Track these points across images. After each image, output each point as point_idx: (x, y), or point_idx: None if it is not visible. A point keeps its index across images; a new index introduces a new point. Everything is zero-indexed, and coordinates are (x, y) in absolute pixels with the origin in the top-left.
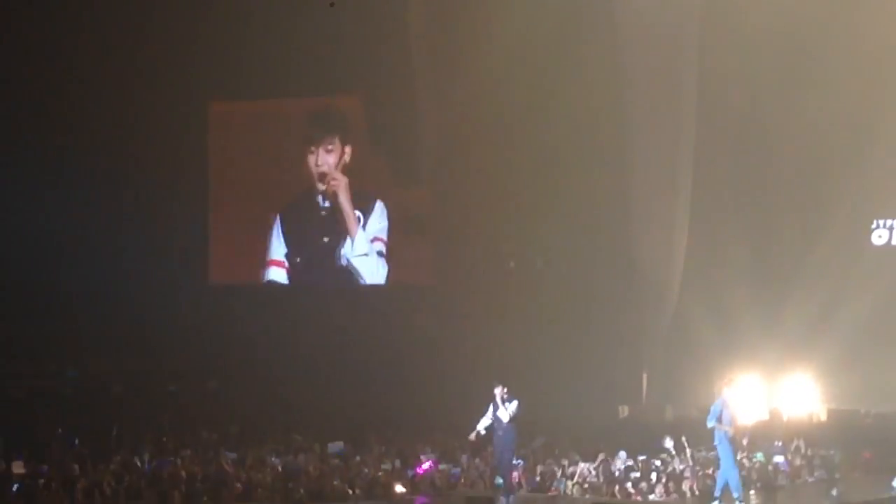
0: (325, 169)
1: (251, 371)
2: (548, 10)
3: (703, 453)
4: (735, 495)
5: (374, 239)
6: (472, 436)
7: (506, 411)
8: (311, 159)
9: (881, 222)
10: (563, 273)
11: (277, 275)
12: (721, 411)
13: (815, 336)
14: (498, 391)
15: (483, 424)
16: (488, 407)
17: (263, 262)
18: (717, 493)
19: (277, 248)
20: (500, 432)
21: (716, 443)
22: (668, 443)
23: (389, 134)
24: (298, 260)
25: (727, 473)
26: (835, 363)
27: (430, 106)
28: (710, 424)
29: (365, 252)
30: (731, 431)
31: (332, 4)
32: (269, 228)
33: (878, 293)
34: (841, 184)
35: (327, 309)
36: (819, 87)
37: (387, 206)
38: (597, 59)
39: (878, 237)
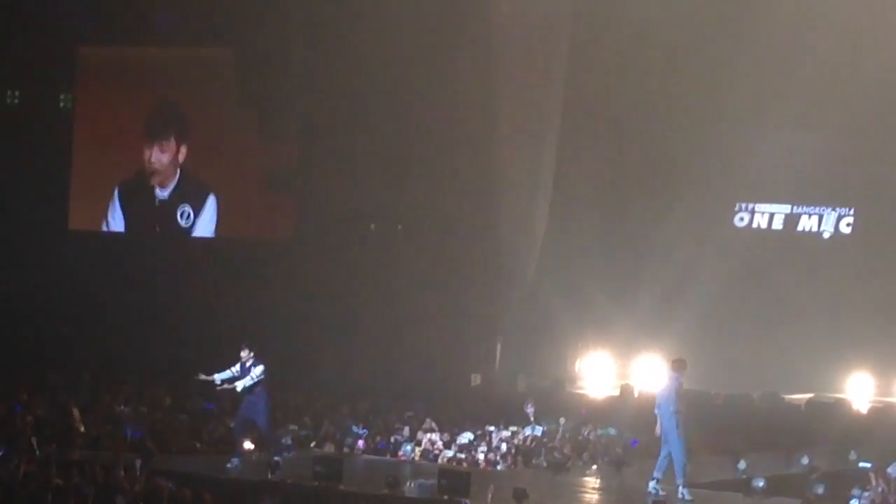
0: (157, 167)
1: (108, 320)
2: None
3: (554, 426)
4: (679, 481)
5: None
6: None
7: (248, 377)
8: (147, 154)
9: (743, 205)
10: (421, 240)
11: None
12: (670, 393)
13: (668, 315)
14: (244, 354)
15: (222, 377)
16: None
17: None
18: (656, 475)
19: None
20: (246, 395)
21: (666, 426)
22: (530, 409)
23: (259, 88)
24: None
25: (675, 457)
26: (686, 343)
27: (301, 65)
28: (658, 411)
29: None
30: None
31: None
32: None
33: (735, 275)
34: (705, 165)
35: (185, 258)
36: (687, 69)
37: (219, 199)
38: (468, 39)
39: (740, 220)
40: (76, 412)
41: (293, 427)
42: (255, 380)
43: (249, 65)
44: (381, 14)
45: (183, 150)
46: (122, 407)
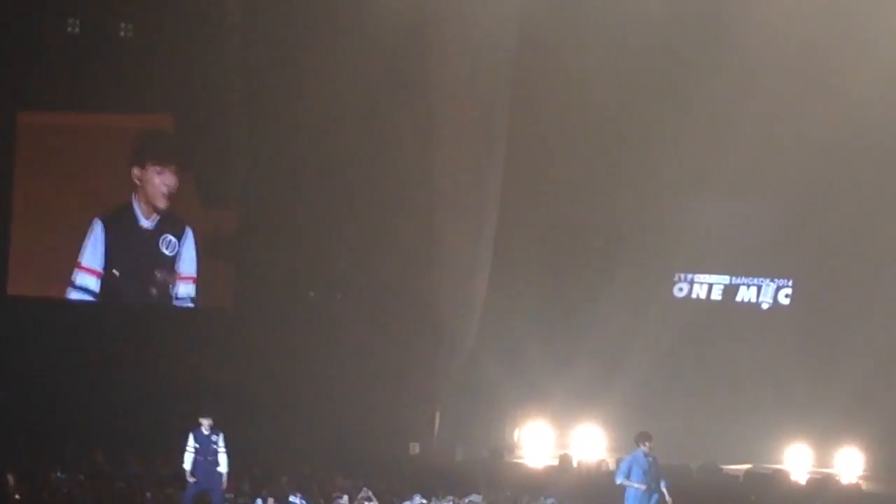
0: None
1: (47, 385)
2: (365, 58)
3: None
4: None
5: (186, 277)
6: (190, 478)
7: (218, 444)
8: (137, 174)
9: (682, 276)
10: (360, 308)
11: (86, 281)
12: (631, 468)
13: (607, 384)
14: (206, 422)
15: (189, 461)
16: (188, 439)
17: (68, 272)
18: None
19: (93, 255)
20: (205, 464)
21: (626, 500)
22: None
23: (200, 156)
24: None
25: None
26: (625, 413)
27: (240, 131)
28: (618, 481)
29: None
30: (642, 489)
31: None
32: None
33: (675, 344)
34: (645, 234)
35: (129, 325)
36: (629, 135)
37: (195, 231)
38: (407, 92)
39: (679, 290)
40: (11, 479)
41: (229, 495)
42: (221, 450)
43: (189, 132)
44: (320, 80)
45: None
46: (59, 474)
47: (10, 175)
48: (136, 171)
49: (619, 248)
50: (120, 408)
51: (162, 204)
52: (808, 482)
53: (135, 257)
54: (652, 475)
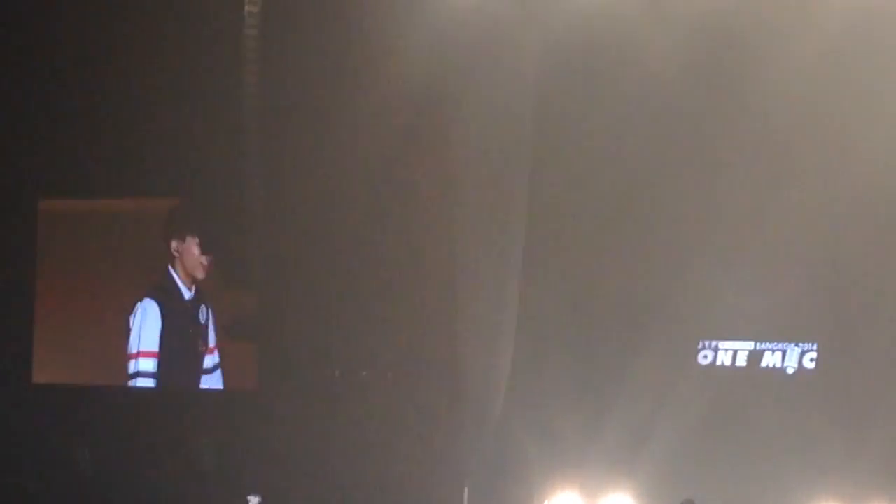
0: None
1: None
2: (379, 126)
3: None
4: None
5: (212, 348)
6: None
7: None
8: (175, 246)
9: (706, 343)
10: (386, 382)
11: (147, 365)
12: None
13: (636, 454)
14: (255, 500)
15: None
16: None
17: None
18: None
19: (148, 336)
20: None
21: None
22: None
23: (218, 237)
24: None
25: None
26: (655, 482)
27: (258, 210)
28: None
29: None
30: None
31: None
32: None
33: (701, 413)
34: (669, 302)
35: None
36: (650, 204)
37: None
38: (427, 167)
39: (704, 357)
40: None
41: None
42: None
43: (206, 214)
44: (335, 151)
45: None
46: None
47: (33, 263)
48: (174, 244)
49: (645, 316)
50: (147, 494)
51: (200, 275)
52: None
53: (184, 332)
54: None
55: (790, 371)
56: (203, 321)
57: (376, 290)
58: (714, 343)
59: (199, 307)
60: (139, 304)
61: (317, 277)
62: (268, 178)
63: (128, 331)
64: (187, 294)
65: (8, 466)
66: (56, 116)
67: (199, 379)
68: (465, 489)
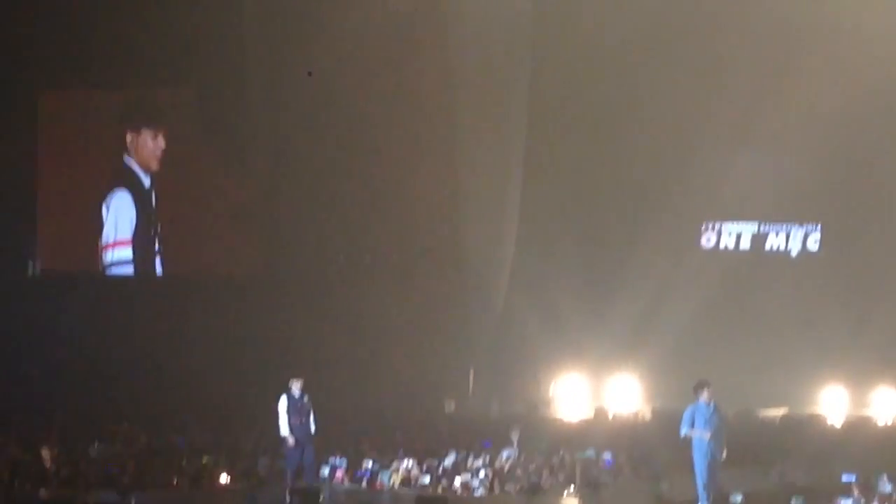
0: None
1: (77, 362)
2: (381, 9)
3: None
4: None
5: None
6: (291, 440)
7: (308, 407)
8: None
9: (710, 224)
10: (390, 268)
11: (122, 254)
12: (693, 417)
13: (641, 335)
14: (297, 384)
15: (286, 425)
16: (282, 402)
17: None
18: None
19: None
20: (300, 426)
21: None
22: (514, 435)
23: (221, 124)
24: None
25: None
26: (660, 363)
27: (261, 98)
28: (682, 432)
29: None
30: (706, 437)
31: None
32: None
33: (704, 294)
34: (672, 185)
35: (150, 297)
36: (652, 88)
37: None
38: (428, 56)
39: (707, 240)
40: (46, 453)
41: (260, 462)
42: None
43: (211, 101)
44: (339, 36)
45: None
46: (96, 445)
47: (32, 155)
48: (129, 136)
49: (649, 200)
50: (154, 381)
51: (155, 166)
52: (845, 425)
53: (147, 220)
54: (714, 423)
55: (794, 253)
56: (155, 207)
57: (380, 177)
58: (717, 225)
59: (151, 195)
60: (111, 194)
61: (320, 164)
62: (268, 64)
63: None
64: (146, 182)
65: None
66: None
67: (154, 263)
68: (471, 371)
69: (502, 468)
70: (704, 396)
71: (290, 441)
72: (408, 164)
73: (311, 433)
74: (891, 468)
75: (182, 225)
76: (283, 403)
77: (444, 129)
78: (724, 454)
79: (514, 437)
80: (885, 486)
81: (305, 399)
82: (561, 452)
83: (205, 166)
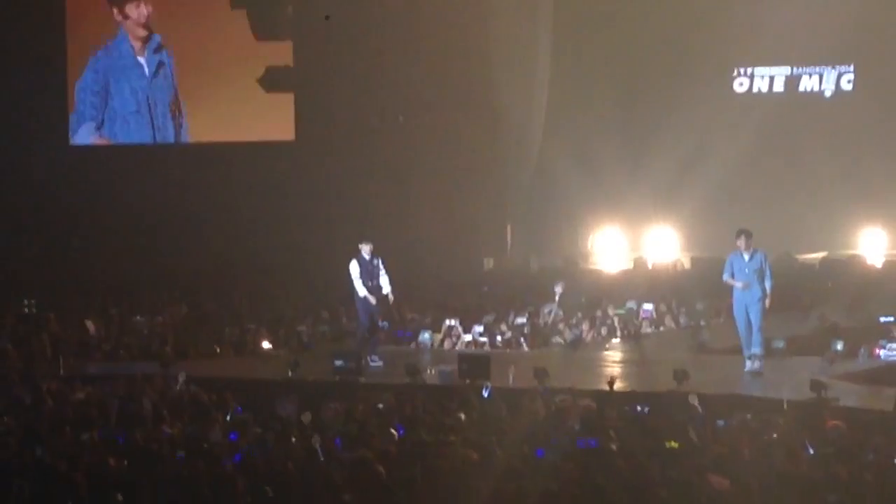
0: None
1: (114, 231)
2: None
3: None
4: (745, 353)
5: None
6: (372, 299)
7: (378, 269)
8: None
9: (742, 70)
10: (424, 126)
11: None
12: (732, 265)
13: (678, 185)
14: (367, 248)
15: (361, 287)
16: (353, 266)
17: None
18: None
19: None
20: (372, 288)
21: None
22: (558, 289)
23: None
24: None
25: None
26: (698, 212)
27: None
28: (724, 278)
29: None
30: (738, 286)
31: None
32: None
33: (740, 141)
34: (703, 32)
35: (185, 166)
36: None
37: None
38: None
39: (740, 85)
40: (90, 325)
41: (300, 328)
42: (383, 272)
43: None
44: None
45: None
46: (138, 317)
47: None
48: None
49: (681, 47)
50: (189, 251)
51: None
52: (884, 264)
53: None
54: (749, 273)
55: (828, 94)
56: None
57: (413, 31)
58: (749, 69)
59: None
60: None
61: (353, 26)
62: None
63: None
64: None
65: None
66: None
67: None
68: (508, 228)
69: (545, 323)
70: (740, 245)
71: (371, 300)
72: (438, 16)
73: (383, 296)
74: None
75: (205, 93)
76: (354, 267)
77: None
78: (766, 304)
79: (558, 290)
80: None
81: (376, 262)
82: (602, 305)
83: (231, 32)
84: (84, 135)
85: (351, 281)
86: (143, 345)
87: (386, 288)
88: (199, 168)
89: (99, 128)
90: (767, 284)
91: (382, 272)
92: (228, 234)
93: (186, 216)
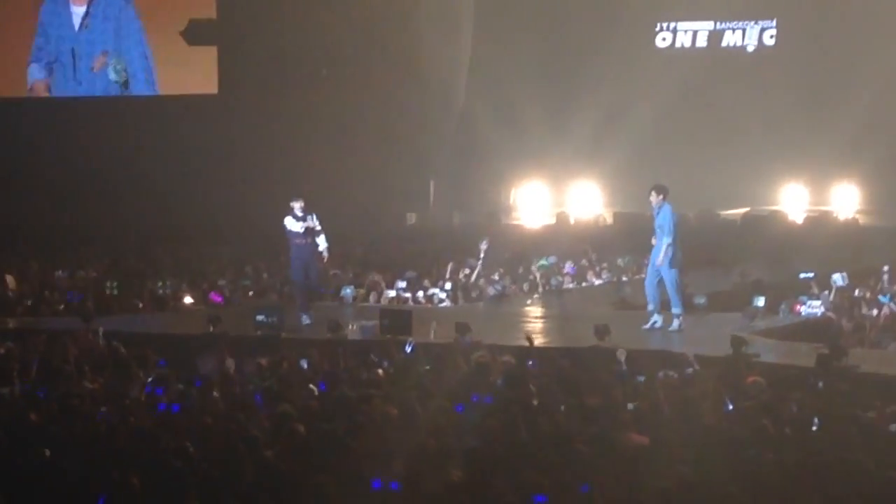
0: None
1: (36, 186)
2: None
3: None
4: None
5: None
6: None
7: (310, 223)
8: None
9: (664, 25)
10: (347, 78)
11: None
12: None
13: (601, 141)
14: (298, 205)
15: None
16: (288, 221)
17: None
18: (651, 307)
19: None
20: (305, 242)
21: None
22: (484, 245)
23: None
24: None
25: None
26: (620, 167)
27: None
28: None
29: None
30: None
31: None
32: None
33: (663, 97)
34: None
35: (103, 120)
36: None
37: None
38: None
39: (662, 40)
40: (10, 279)
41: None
42: (318, 228)
43: None
44: None
45: None
46: (59, 272)
47: None
48: None
49: (603, 2)
50: (113, 205)
51: None
52: (806, 220)
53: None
54: (655, 229)
55: (750, 49)
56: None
57: None
58: (672, 24)
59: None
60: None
61: None
62: None
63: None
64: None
65: None
66: None
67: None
68: (431, 183)
69: (466, 278)
70: (652, 200)
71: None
72: None
73: (317, 252)
74: (847, 264)
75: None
76: (290, 222)
77: None
78: (659, 259)
79: (483, 247)
80: (840, 282)
81: (310, 218)
82: (524, 261)
83: None
84: (33, 73)
85: (287, 236)
86: (64, 300)
87: (322, 245)
88: (122, 122)
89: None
90: (664, 240)
91: (318, 228)
92: (151, 189)
93: (109, 170)
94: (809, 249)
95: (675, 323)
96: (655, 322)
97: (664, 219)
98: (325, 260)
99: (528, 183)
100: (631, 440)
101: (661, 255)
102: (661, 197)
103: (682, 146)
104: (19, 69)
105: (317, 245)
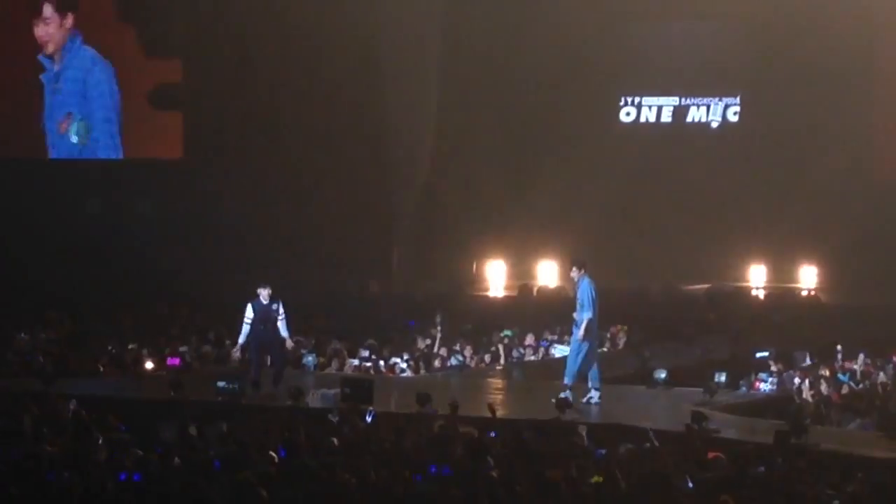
0: (45, 38)
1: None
2: None
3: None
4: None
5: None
6: (237, 352)
7: (277, 314)
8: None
9: (629, 99)
10: (311, 147)
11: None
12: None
13: (565, 216)
14: (265, 292)
15: (244, 334)
16: (248, 310)
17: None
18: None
19: None
20: (265, 332)
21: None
22: (438, 318)
23: (138, 3)
24: None
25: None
26: (586, 242)
27: None
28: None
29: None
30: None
31: None
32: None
33: (627, 172)
34: (590, 61)
35: (66, 182)
36: None
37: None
38: None
39: (627, 115)
40: None
41: (182, 349)
42: (281, 317)
43: None
44: None
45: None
46: (22, 335)
47: None
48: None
49: (567, 76)
50: (76, 265)
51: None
52: (768, 296)
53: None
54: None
55: (715, 125)
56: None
57: (298, 52)
58: (637, 99)
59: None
60: None
61: (242, 46)
62: None
63: None
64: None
65: None
66: None
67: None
68: (394, 251)
69: (427, 348)
70: (573, 275)
71: (237, 355)
72: (328, 40)
73: (279, 341)
74: (810, 342)
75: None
76: (248, 312)
77: (365, 8)
78: (580, 333)
79: (438, 319)
80: (805, 361)
81: (274, 306)
82: (487, 331)
83: (120, 48)
84: None
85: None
86: (24, 361)
87: (283, 332)
88: (85, 184)
89: None
90: (584, 315)
91: (281, 317)
92: (114, 252)
93: (73, 231)
94: (770, 325)
95: (594, 395)
96: (591, 397)
97: (583, 293)
98: (290, 347)
99: (492, 256)
100: None
101: (582, 329)
102: (581, 271)
103: (647, 220)
104: None
105: (277, 331)
